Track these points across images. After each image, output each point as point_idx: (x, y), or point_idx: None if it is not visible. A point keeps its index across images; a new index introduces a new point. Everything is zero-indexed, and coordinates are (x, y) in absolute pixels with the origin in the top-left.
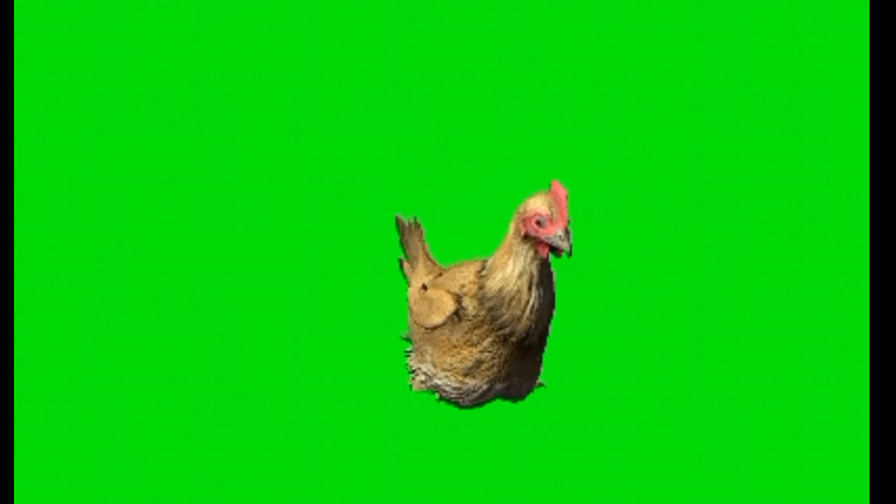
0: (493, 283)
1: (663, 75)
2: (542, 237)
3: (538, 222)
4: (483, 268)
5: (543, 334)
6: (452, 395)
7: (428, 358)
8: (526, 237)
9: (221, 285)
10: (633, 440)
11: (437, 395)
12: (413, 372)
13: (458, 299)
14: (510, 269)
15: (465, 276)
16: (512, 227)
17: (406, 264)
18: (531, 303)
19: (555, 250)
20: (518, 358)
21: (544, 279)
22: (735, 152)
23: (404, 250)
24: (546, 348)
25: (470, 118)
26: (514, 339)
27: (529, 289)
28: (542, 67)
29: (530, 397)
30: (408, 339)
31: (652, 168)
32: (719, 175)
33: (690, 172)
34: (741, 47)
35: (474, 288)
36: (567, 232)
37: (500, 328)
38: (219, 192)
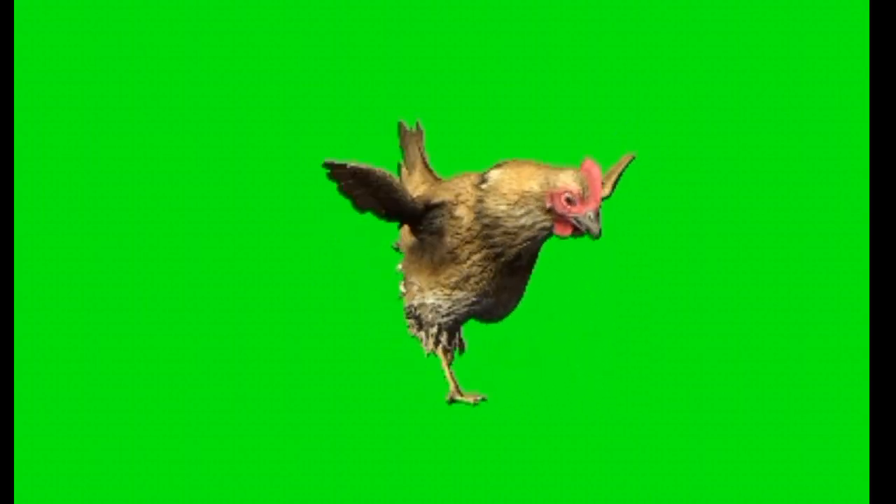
0: (494, 208)
1: (663, 75)
2: (571, 216)
3: (568, 200)
4: (483, 180)
5: (533, 257)
6: (445, 307)
7: (415, 288)
8: (549, 210)
9: (221, 283)
10: (633, 441)
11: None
12: (413, 316)
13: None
14: (517, 214)
15: (461, 186)
16: (535, 187)
17: (403, 170)
18: (526, 240)
19: (576, 231)
20: (507, 274)
21: (542, 240)
22: (735, 152)
23: (403, 156)
24: (533, 270)
25: (470, 118)
26: (504, 260)
27: (527, 240)
28: (541, 67)
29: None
30: (397, 249)
31: (650, 167)
32: (719, 175)
33: (690, 172)
34: (741, 47)
35: (472, 199)
36: (598, 214)
37: (492, 247)
38: (219, 191)
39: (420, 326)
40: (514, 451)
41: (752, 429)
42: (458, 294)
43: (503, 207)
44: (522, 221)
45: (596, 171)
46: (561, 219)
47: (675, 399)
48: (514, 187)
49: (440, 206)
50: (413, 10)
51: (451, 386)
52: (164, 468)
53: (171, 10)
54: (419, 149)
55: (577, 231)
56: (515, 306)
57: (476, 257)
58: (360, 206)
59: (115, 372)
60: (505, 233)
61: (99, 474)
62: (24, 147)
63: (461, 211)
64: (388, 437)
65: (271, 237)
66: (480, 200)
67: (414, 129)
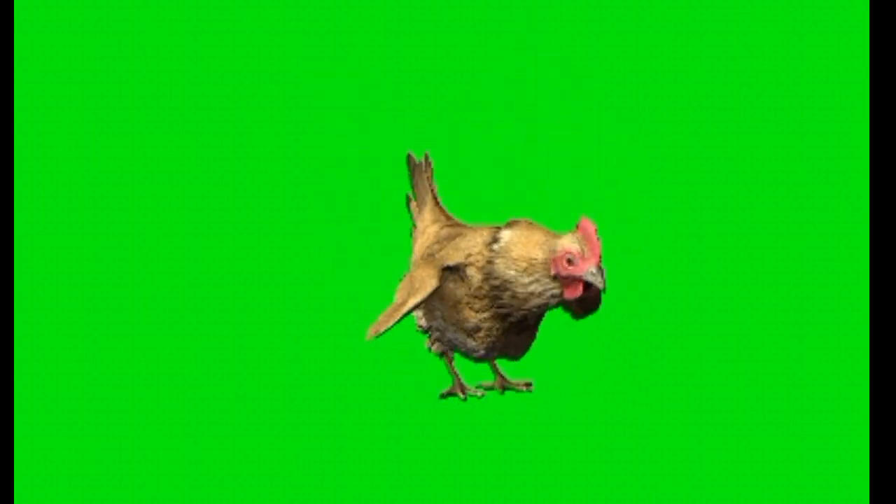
0: (503, 272)
1: (662, 75)
2: (574, 275)
3: (569, 261)
4: (494, 240)
5: (539, 318)
6: (461, 347)
7: (437, 314)
8: (555, 277)
9: (221, 283)
10: (633, 441)
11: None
12: (426, 331)
13: (440, 276)
14: (526, 282)
15: (472, 247)
16: (540, 255)
17: (413, 203)
18: (536, 306)
19: (585, 291)
20: (514, 332)
21: (554, 306)
22: (734, 152)
23: (413, 189)
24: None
25: (471, 118)
26: (511, 320)
27: (537, 306)
28: (543, 67)
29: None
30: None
31: (650, 168)
32: (718, 175)
33: (690, 172)
34: (741, 47)
35: (482, 260)
36: (600, 268)
37: (500, 307)
38: (219, 191)
39: (431, 337)
40: (514, 451)
41: (753, 429)
42: (471, 343)
43: (512, 272)
44: (531, 289)
45: (592, 228)
46: (567, 281)
47: (675, 399)
48: (522, 253)
49: (453, 269)
50: (424, 21)
51: (455, 380)
52: (165, 468)
53: (171, 10)
54: (428, 183)
55: (586, 290)
56: (526, 352)
57: (484, 315)
58: None
59: (115, 372)
60: (513, 297)
61: (99, 474)
62: (24, 147)
63: (471, 271)
64: (387, 436)
65: (271, 237)
66: (490, 262)
67: (422, 162)
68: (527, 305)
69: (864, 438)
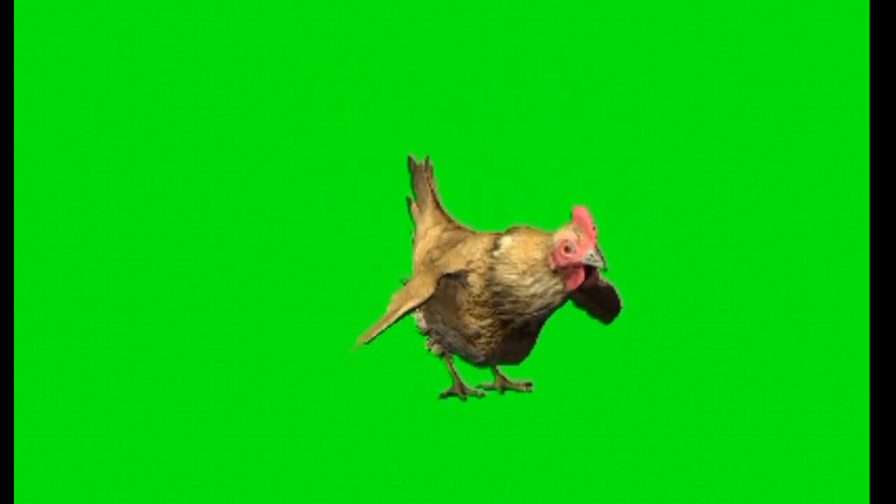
0: (504, 277)
1: (663, 75)
2: (574, 262)
3: (566, 248)
4: (495, 246)
5: (541, 325)
6: (460, 352)
7: (438, 317)
8: (556, 271)
9: (221, 283)
10: (633, 441)
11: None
12: (426, 334)
13: (437, 283)
14: (527, 284)
15: (473, 253)
16: (539, 254)
17: (414, 205)
18: (540, 308)
19: (587, 278)
20: (515, 339)
21: (558, 305)
22: (734, 152)
23: (413, 191)
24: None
25: (471, 119)
26: (512, 327)
27: (541, 308)
28: (543, 68)
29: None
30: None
31: (650, 168)
32: (718, 175)
33: (690, 172)
34: (741, 47)
35: (483, 267)
36: (598, 250)
37: (500, 314)
38: (219, 192)
39: (430, 339)
40: (514, 451)
41: (752, 429)
42: (471, 349)
43: (513, 276)
44: (534, 290)
45: (585, 213)
46: (567, 271)
47: (675, 399)
48: (522, 256)
49: (454, 275)
50: (424, 21)
51: (455, 381)
52: (165, 468)
53: (170, 10)
54: (429, 185)
55: (588, 277)
56: (526, 357)
57: (485, 322)
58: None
59: (116, 372)
60: (515, 301)
61: (99, 474)
62: (24, 147)
63: (472, 279)
64: (387, 436)
65: (272, 238)
66: (491, 268)
67: (423, 164)
68: (529, 309)
69: (864, 438)
